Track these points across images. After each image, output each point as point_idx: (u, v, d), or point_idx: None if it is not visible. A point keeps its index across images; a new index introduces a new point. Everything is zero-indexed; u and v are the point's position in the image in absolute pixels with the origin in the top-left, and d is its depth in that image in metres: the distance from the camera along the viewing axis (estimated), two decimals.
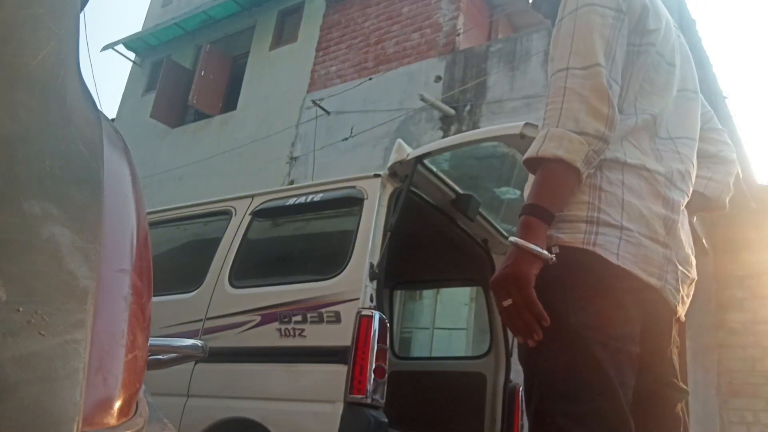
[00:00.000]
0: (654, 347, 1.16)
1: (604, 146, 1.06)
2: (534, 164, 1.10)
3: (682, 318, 1.21)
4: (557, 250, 1.07)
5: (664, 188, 1.14)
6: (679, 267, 1.14)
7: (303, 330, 2.56)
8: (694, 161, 1.25)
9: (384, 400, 2.36)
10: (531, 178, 1.17)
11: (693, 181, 1.24)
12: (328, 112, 7.62)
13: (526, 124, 2.43)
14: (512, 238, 1.05)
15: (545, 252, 1.03)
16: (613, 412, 1.01)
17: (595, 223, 1.08)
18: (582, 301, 1.05)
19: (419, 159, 2.76)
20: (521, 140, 2.45)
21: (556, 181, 1.06)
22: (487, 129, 2.94)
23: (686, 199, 1.20)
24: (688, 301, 1.20)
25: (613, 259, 1.06)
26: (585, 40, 1.10)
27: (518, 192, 3.46)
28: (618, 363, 1.04)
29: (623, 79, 1.15)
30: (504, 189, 3.49)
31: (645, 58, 1.18)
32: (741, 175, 5.62)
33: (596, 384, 1.02)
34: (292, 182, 7.29)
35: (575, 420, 1.00)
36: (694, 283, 1.22)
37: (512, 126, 2.53)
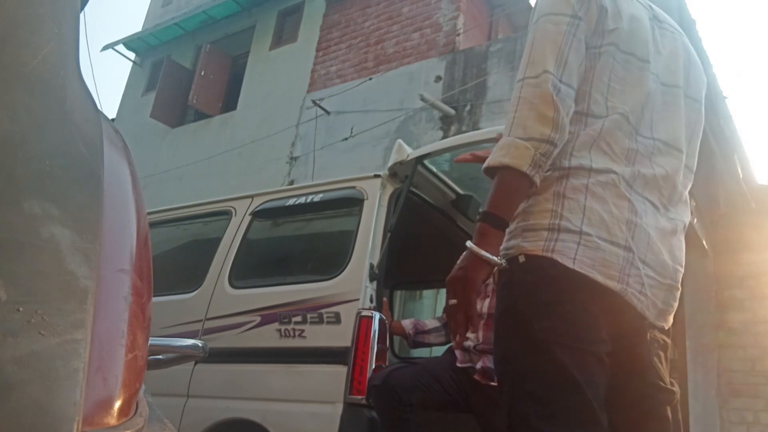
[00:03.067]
0: (631, 352, 1.18)
1: (551, 148, 1.10)
2: (490, 174, 1.16)
3: (660, 324, 1.21)
4: (523, 259, 1.12)
5: (627, 192, 1.16)
6: (645, 271, 1.14)
7: (303, 330, 2.56)
8: (669, 167, 1.23)
9: None
10: None
11: (667, 188, 1.23)
12: (328, 112, 7.62)
13: None
14: (468, 243, 1.11)
15: (494, 258, 1.09)
16: (582, 411, 1.05)
17: (556, 230, 1.12)
18: (545, 307, 1.10)
19: (419, 159, 2.76)
20: None
21: (506, 188, 1.12)
22: (487, 130, 2.94)
23: (652, 205, 1.19)
24: (665, 307, 1.20)
25: (569, 264, 1.09)
26: (539, 50, 1.16)
27: None
28: (584, 364, 1.07)
29: (586, 82, 1.19)
30: None
31: (607, 59, 1.21)
32: (741, 175, 5.62)
33: (563, 385, 1.06)
34: (292, 182, 7.30)
35: (546, 420, 1.05)
36: (673, 290, 1.21)
37: None
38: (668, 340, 1.27)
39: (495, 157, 1.12)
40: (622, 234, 1.12)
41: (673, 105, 1.30)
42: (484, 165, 1.15)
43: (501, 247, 1.16)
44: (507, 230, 1.17)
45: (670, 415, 1.21)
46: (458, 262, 1.13)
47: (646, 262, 1.15)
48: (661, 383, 1.21)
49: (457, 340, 1.13)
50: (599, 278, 1.10)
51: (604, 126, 1.17)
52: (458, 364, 2.36)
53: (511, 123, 1.12)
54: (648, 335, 1.20)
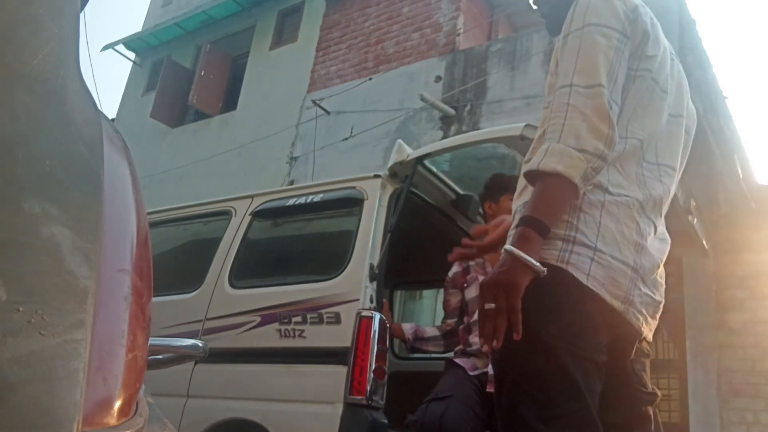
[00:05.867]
0: (619, 360, 1.21)
1: (602, 164, 1.10)
2: (534, 177, 1.13)
3: (649, 338, 1.26)
4: None
5: (638, 215, 1.18)
6: (645, 290, 1.18)
7: (303, 331, 2.56)
8: (671, 191, 1.30)
9: (384, 401, 2.35)
10: (527, 187, 1.21)
11: (664, 211, 1.29)
12: (328, 112, 7.62)
13: (527, 126, 2.44)
14: (508, 247, 1.09)
15: (538, 264, 1.07)
16: (582, 416, 1.07)
17: (571, 242, 1.12)
18: (552, 314, 1.11)
19: (419, 159, 2.76)
20: (521, 142, 2.46)
21: (553, 195, 1.10)
22: (487, 130, 2.94)
23: (654, 228, 1.23)
24: (653, 322, 1.25)
25: (583, 279, 1.11)
26: (589, 59, 1.14)
27: None
28: (585, 371, 1.09)
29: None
30: None
31: (641, 83, 1.22)
32: (741, 176, 5.62)
33: (566, 390, 1.08)
34: (292, 182, 7.29)
35: (546, 423, 1.06)
36: (660, 306, 1.26)
37: (513, 127, 2.53)
38: (649, 348, 1.33)
39: (547, 162, 1.08)
40: (631, 255, 1.15)
41: (676, 134, 1.33)
42: (531, 167, 1.12)
43: None
44: None
45: (652, 415, 1.26)
46: (498, 266, 1.09)
47: (646, 283, 1.18)
48: (643, 389, 1.26)
49: (493, 345, 1.08)
50: (606, 297, 1.12)
51: (625, 149, 1.19)
52: (470, 372, 2.36)
53: (561, 130, 1.09)
54: (635, 347, 1.24)
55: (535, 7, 1.49)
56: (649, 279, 1.19)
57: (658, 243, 1.26)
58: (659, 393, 1.29)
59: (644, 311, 1.19)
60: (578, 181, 1.07)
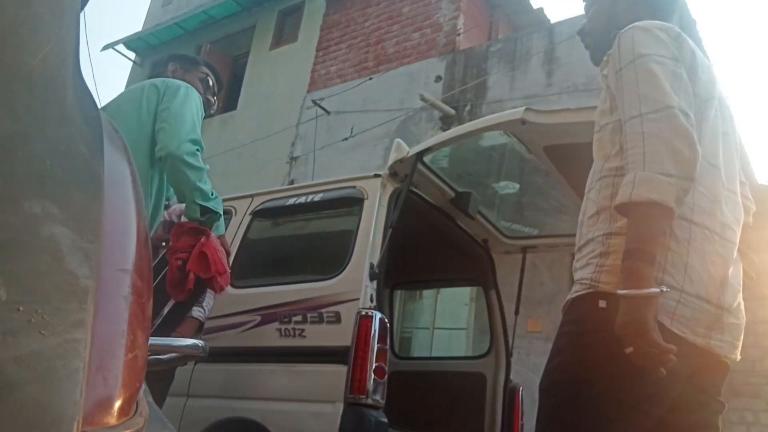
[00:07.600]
0: (701, 392, 1.22)
1: (690, 184, 1.09)
2: (627, 209, 1.12)
3: (733, 357, 1.27)
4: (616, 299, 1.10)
5: (721, 247, 1.19)
6: (729, 320, 1.20)
7: (303, 330, 2.56)
8: (742, 212, 1.32)
9: (384, 400, 2.36)
10: (604, 211, 1.21)
11: (738, 232, 1.29)
12: (328, 112, 7.62)
13: (527, 109, 2.39)
14: (620, 291, 1.07)
15: (655, 290, 1.05)
16: None
17: (658, 282, 1.11)
18: (622, 355, 1.08)
19: (420, 155, 2.76)
20: (522, 126, 2.41)
21: (652, 224, 1.09)
22: (488, 117, 2.89)
23: (734, 247, 1.24)
24: (738, 342, 1.26)
25: (667, 323, 1.10)
26: (650, 86, 1.15)
27: (516, 185, 3.46)
28: (629, 421, 1.10)
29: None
30: (503, 183, 3.49)
31: (701, 104, 1.23)
32: None
33: (599, 428, 1.09)
34: (292, 182, 7.30)
35: None
36: (742, 326, 1.28)
37: (513, 112, 2.48)
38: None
39: (638, 192, 1.08)
40: (715, 292, 1.16)
41: (729, 152, 1.32)
42: (623, 200, 1.10)
43: (586, 278, 1.16)
44: (597, 262, 1.16)
45: (720, 426, 1.26)
46: (620, 311, 1.07)
47: (731, 312, 1.20)
48: (717, 397, 1.27)
49: (660, 366, 1.06)
50: (689, 336, 1.12)
51: (700, 171, 1.17)
52: None
53: (643, 158, 1.09)
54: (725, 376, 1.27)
55: (578, 37, 1.53)
56: (735, 308, 1.21)
57: (736, 266, 1.26)
58: (725, 404, 1.30)
59: (729, 338, 1.20)
60: (673, 205, 1.07)
